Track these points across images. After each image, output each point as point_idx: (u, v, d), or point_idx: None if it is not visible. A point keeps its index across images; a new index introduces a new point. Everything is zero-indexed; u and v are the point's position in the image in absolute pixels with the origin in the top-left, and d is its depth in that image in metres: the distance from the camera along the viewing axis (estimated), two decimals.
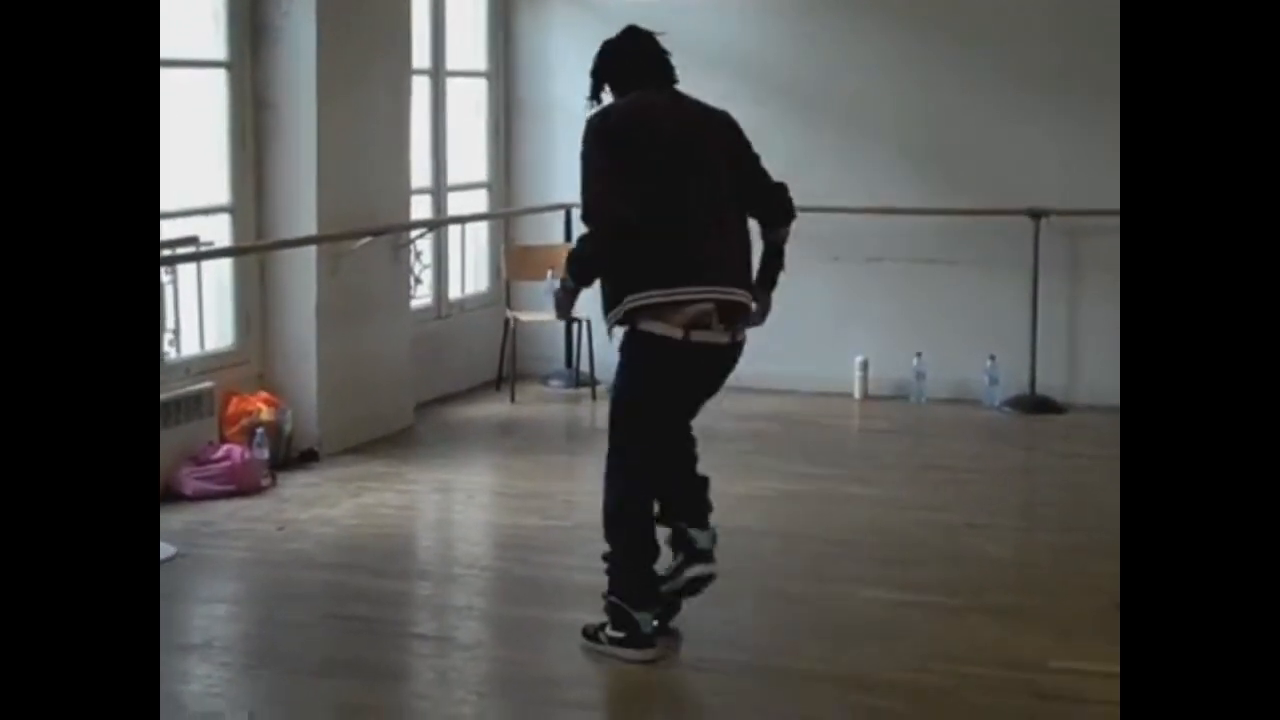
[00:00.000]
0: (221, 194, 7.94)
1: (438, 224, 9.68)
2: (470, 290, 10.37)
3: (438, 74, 9.81)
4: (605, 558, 5.30)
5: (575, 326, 10.23)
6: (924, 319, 9.86)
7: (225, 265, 7.97)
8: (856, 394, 9.93)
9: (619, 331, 5.25)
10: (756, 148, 5.65)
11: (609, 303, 5.21)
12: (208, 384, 7.64)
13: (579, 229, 5.38)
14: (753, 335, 10.30)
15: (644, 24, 5.68)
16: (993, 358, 9.60)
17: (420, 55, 9.36)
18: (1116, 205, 9.69)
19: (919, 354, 9.79)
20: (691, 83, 10.67)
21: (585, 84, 5.60)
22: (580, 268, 5.32)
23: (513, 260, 10.20)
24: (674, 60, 5.60)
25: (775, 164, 5.81)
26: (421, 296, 9.67)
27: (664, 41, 5.57)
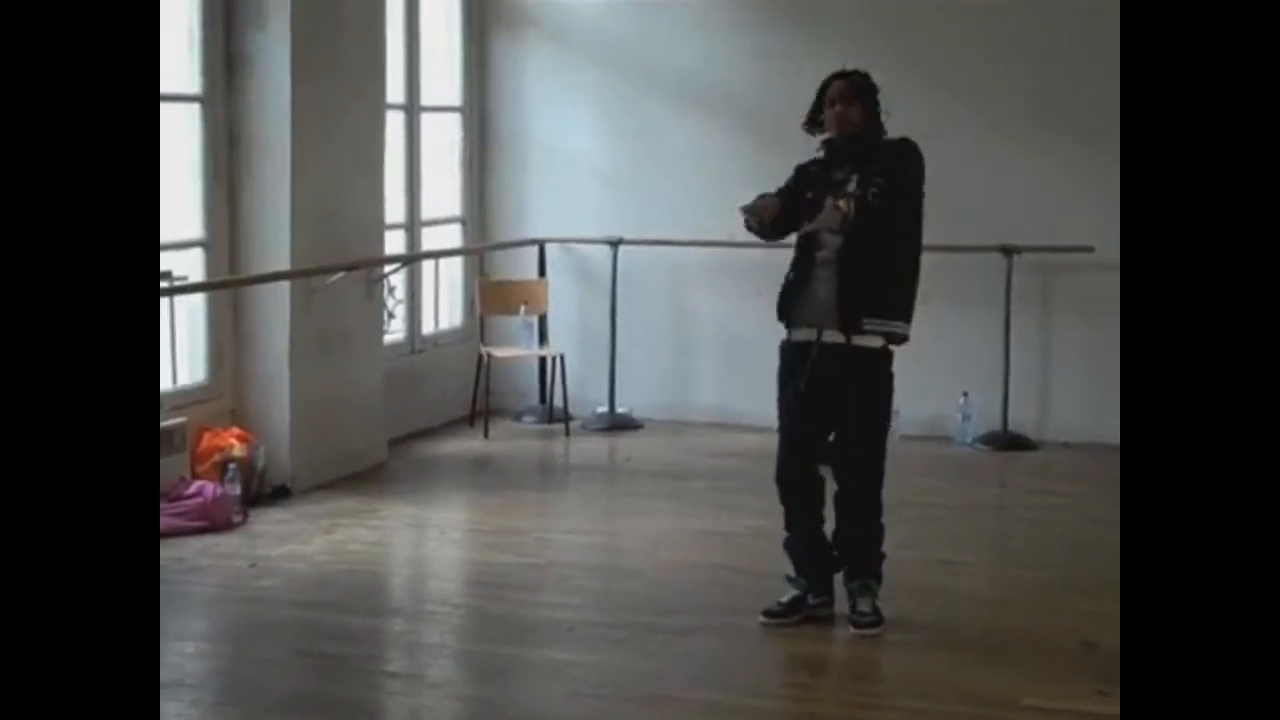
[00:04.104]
0: (195, 229, 7.93)
1: (411, 259, 9.67)
2: (444, 325, 10.36)
3: (412, 108, 9.82)
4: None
5: (549, 362, 10.23)
6: (897, 355, 9.85)
7: (198, 300, 7.95)
8: None
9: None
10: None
11: (894, 314, 5.84)
12: (180, 419, 7.61)
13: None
14: (728, 373, 10.31)
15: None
16: (965, 394, 9.62)
17: (394, 90, 9.37)
18: (1088, 242, 9.75)
19: None
20: (665, 112, 10.70)
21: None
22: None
23: (486, 295, 10.20)
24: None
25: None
26: (395, 331, 9.65)
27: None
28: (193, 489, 7.36)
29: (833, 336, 5.83)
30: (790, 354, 5.96)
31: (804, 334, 5.90)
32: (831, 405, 5.91)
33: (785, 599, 6.02)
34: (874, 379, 5.92)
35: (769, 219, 5.84)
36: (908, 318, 5.93)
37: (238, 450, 7.74)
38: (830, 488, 6.03)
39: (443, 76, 10.33)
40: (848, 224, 5.66)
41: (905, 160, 5.86)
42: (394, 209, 9.39)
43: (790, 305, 5.92)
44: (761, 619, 5.96)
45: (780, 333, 6.02)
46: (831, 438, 6.03)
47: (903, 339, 5.94)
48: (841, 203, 5.67)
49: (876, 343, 5.86)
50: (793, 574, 6.05)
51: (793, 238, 6.02)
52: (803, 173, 6.03)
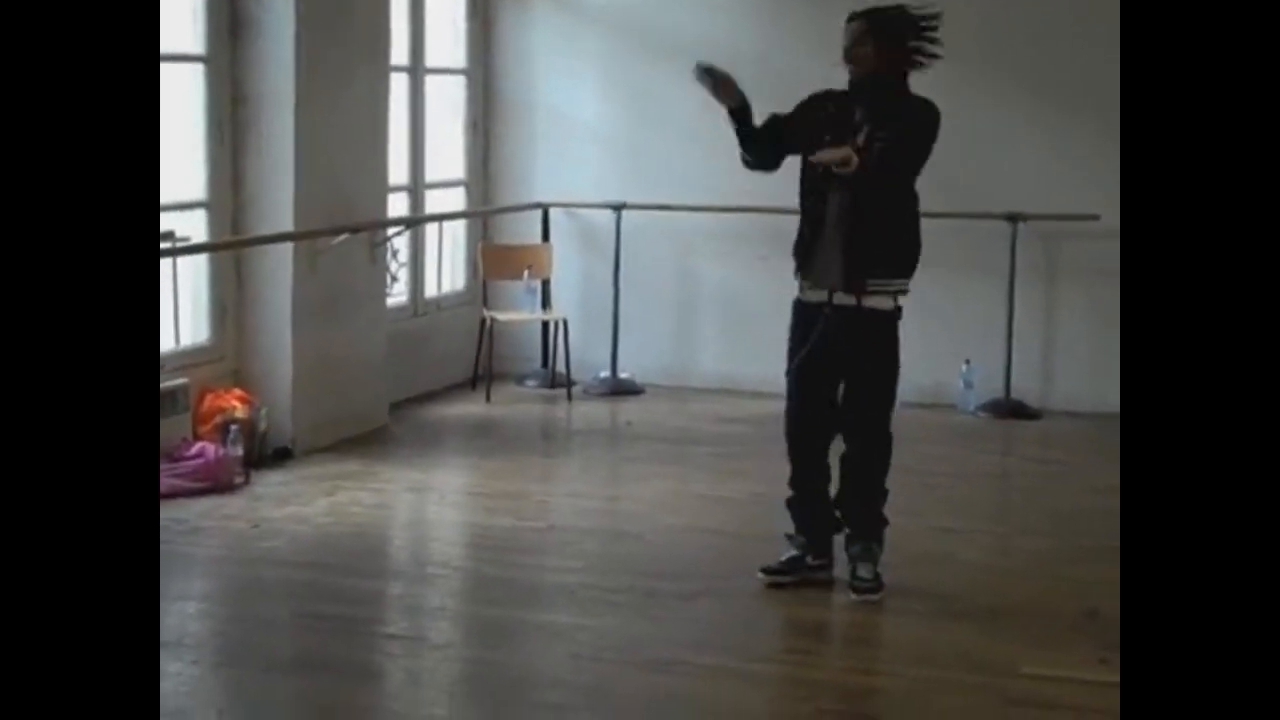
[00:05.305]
0: (198, 189, 7.90)
1: (415, 222, 9.66)
2: (446, 289, 10.35)
3: (416, 71, 9.79)
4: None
5: (551, 326, 10.21)
6: (900, 322, 9.85)
7: (201, 261, 7.94)
8: None
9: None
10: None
11: (900, 270, 5.84)
12: (182, 380, 7.61)
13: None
14: (730, 338, 10.30)
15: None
16: (968, 362, 9.61)
17: (399, 52, 9.34)
18: (1093, 210, 9.72)
19: None
20: (668, 77, 10.63)
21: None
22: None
23: (489, 259, 10.18)
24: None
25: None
26: (397, 294, 9.65)
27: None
28: (194, 450, 7.36)
29: (843, 299, 5.82)
30: (803, 312, 5.96)
31: (816, 295, 5.89)
32: (841, 366, 5.91)
33: (784, 557, 6.05)
34: (884, 342, 5.91)
35: (722, 93, 5.96)
36: (911, 273, 5.92)
37: (240, 412, 7.73)
38: (837, 449, 6.03)
39: (447, 39, 10.29)
40: (847, 172, 5.59)
41: (917, 120, 5.78)
42: (397, 171, 9.37)
43: (803, 262, 5.90)
44: (760, 574, 6.01)
45: (786, 294, 6.01)
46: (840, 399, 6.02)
47: (905, 293, 5.94)
48: (847, 149, 5.60)
49: (887, 304, 5.87)
50: (792, 532, 6.07)
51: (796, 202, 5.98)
52: (816, 105, 5.95)
